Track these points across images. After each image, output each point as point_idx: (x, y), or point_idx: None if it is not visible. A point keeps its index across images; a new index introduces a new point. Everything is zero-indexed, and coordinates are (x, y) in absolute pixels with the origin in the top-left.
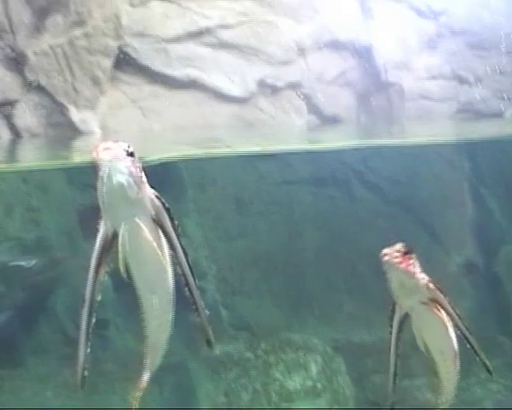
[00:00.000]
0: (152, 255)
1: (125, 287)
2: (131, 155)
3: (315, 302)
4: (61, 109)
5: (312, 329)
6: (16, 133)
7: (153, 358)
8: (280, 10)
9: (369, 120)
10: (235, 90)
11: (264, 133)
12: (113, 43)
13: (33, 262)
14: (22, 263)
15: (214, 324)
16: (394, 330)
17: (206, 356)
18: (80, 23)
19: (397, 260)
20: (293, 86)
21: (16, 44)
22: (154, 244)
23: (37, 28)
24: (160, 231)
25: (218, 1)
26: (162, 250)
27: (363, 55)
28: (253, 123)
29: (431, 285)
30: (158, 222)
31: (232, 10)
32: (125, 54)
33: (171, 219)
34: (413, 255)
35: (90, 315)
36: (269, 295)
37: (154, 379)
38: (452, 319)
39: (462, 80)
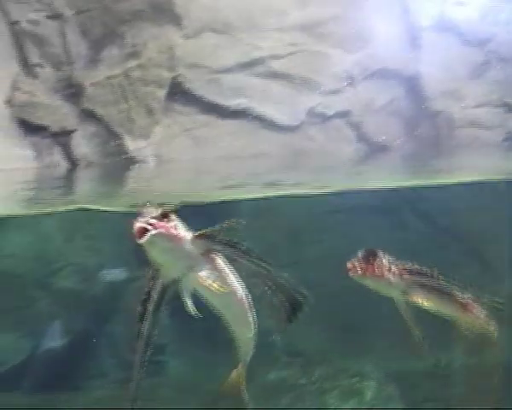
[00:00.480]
0: (216, 288)
1: (180, 313)
2: (163, 217)
3: (368, 330)
4: (117, 138)
5: (366, 356)
6: (73, 162)
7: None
8: (329, 40)
9: (417, 149)
10: (285, 119)
11: (314, 167)
12: (166, 74)
13: (92, 288)
14: (82, 288)
15: (268, 351)
16: None
17: (261, 382)
18: (135, 55)
19: (360, 271)
20: (342, 115)
21: (73, 76)
22: (211, 281)
23: (94, 60)
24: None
25: (269, 32)
26: (226, 280)
27: (411, 83)
28: (302, 151)
29: (406, 275)
30: (214, 256)
31: (282, 41)
32: (179, 84)
33: (234, 246)
34: (377, 256)
35: (145, 350)
36: (322, 322)
37: (209, 405)
38: (443, 292)
39: (509, 108)
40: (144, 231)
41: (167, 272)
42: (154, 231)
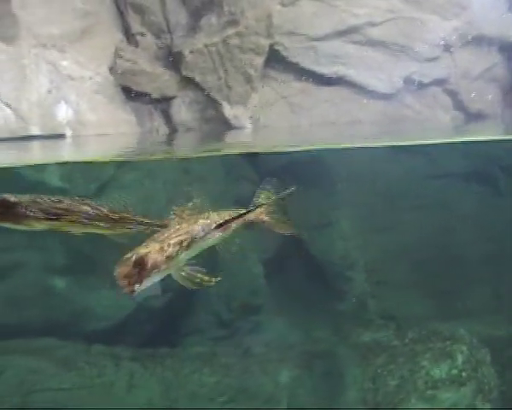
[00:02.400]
0: None
1: (275, 274)
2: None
3: (461, 295)
4: (215, 105)
5: (459, 320)
6: (172, 128)
7: None
8: (426, 7)
9: None
10: (381, 87)
11: (410, 129)
12: (264, 42)
13: None
14: None
15: (362, 313)
16: None
17: (354, 343)
18: (233, 23)
19: (127, 288)
20: (439, 83)
21: (173, 44)
22: None
23: (193, 28)
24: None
25: None
26: None
27: (510, 50)
28: (398, 119)
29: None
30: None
31: (379, 8)
32: (276, 52)
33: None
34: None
35: None
36: (416, 286)
37: (304, 364)
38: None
39: None
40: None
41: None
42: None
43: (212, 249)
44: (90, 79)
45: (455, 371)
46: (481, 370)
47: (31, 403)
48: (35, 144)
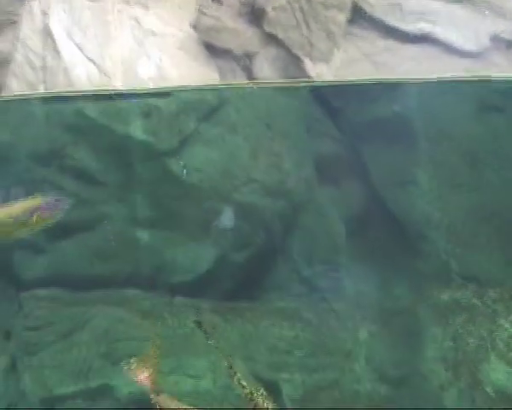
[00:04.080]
0: None
1: (355, 234)
2: None
3: None
4: (297, 62)
5: None
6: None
7: None
8: None
9: None
10: (467, 45)
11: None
12: None
13: (274, 204)
14: (264, 204)
15: (443, 272)
16: None
17: (434, 302)
18: None
19: None
20: None
21: (256, 0)
22: None
23: None
24: None
25: None
26: None
27: None
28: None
29: None
30: None
31: None
32: (359, 9)
33: None
34: None
35: None
36: (499, 248)
37: (383, 322)
38: None
39: None
40: None
41: None
42: None
43: (293, 208)
44: (173, 35)
45: None
46: None
47: (116, 351)
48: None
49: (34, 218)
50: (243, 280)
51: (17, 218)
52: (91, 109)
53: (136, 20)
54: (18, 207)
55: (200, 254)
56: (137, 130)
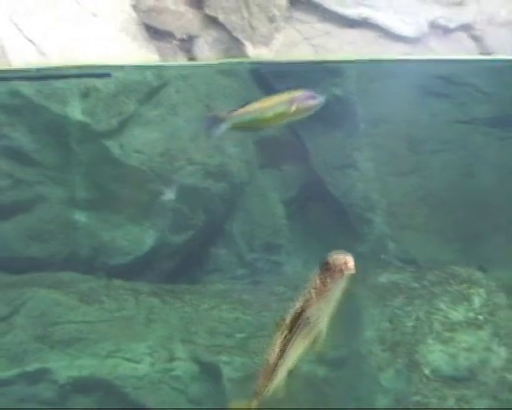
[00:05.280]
0: None
1: (295, 215)
2: None
3: (481, 240)
4: (238, 45)
5: (477, 264)
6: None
7: None
8: None
9: None
10: (406, 30)
11: None
12: None
13: (214, 186)
14: (204, 186)
15: (381, 254)
16: None
17: (372, 284)
18: None
19: None
20: (465, 28)
21: None
22: None
23: None
24: None
25: None
26: None
27: None
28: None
29: None
30: None
31: None
32: None
33: None
34: None
35: None
36: (437, 231)
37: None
38: None
39: None
40: None
41: None
42: None
43: (234, 190)
44: (114, 17)
45: (472, 314)
46: (498, 314)
47: (52, 334)
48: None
49: (293, 107)
50: (183, 262)
51: (276, 108)
52: (28, 89)
53: (77, 1)
54: (276, 98)
55: (139, 237)
56: (75, 110)
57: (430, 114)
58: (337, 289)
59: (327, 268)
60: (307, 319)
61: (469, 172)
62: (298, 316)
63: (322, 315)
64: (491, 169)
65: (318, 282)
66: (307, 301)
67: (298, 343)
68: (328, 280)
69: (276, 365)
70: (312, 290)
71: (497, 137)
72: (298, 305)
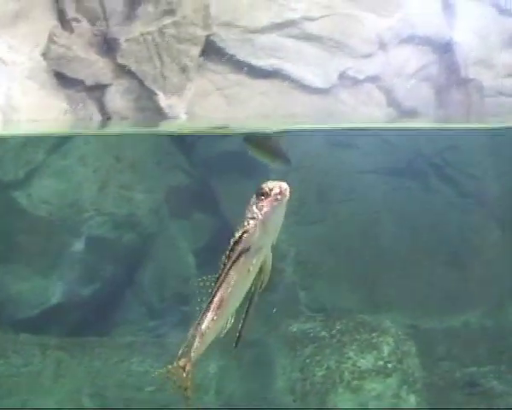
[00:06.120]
0: None
1: (206, 265)
2: None
3: (389, 288)
4: (150, 94)
5: (386, 313)
6: (106, 115)
7: None
8: (363, 4)
9: (447, 115)
10: (316, 82)
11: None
12: (201, 33)
13: (123, 236)
14: (113, 237)
15: (291, 304)
16: None
17: (283, 334)
18: (170, 12)
19: None
20: (374, 79)
21: (109, 31)
22: None
23: (129, 16)
24: None
25: None
26: None
27: (444, 50)
28: (333, 114)
29: None
30: None
31: (317, 3)
32: (212, 43)
33: None
34: None
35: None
36: (345, 279)
37: (233, 354)
38: None
39: None
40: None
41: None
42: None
43: (143, 240)
44: (22, 63)
45: (381, 363)
46: (406, 361)
47: None
48: None
49: None
50: (92, 315)
51: None
52: None
53: None
54: None
55: (47, 289)
56: None
57: (337, 164)
58: (275, 216)
59: (263, 196)
60: (247, 248)
61: (375, 220)
62: (235, 245)
63: (264, 244)
64: (395, 218)
65: (255, 210)
66: (245, 231)
67: (236, 273)
68: (265, 208)
69: (213, 297)
70: (250, 220)
71: (403, 186)
72: (236, 235)
